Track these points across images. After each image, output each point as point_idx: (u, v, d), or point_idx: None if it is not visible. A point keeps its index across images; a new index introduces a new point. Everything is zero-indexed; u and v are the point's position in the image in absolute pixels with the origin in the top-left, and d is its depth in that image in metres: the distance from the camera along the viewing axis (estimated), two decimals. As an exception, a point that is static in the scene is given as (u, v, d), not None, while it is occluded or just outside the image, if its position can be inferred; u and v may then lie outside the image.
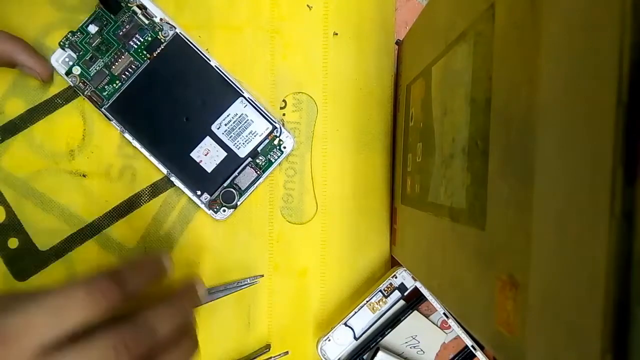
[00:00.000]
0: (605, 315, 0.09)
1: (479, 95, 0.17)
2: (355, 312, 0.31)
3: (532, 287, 0.13)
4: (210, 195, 0.31)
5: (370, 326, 0.32)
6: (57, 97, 0.31)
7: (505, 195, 0.14)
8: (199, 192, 0.31)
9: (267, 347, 0.32)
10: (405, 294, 0.32)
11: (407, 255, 0.28)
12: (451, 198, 0.20)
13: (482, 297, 0.16)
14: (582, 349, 0.10)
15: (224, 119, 0.31)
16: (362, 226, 0.33)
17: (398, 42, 0.33)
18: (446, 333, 0.33)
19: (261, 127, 0.31)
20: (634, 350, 0.09)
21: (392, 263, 0.34)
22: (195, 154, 0.31)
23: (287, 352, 0.32)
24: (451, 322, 0.32)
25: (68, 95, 0.31)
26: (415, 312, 0.32)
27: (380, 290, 0.32)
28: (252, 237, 0.33)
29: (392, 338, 0.32)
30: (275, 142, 0.31)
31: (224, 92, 0.31)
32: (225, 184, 0.31)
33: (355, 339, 0.31)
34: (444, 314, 0.32)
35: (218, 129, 0.31)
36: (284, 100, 0.33)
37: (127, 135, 0.31)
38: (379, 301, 0.32)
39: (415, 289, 0.32)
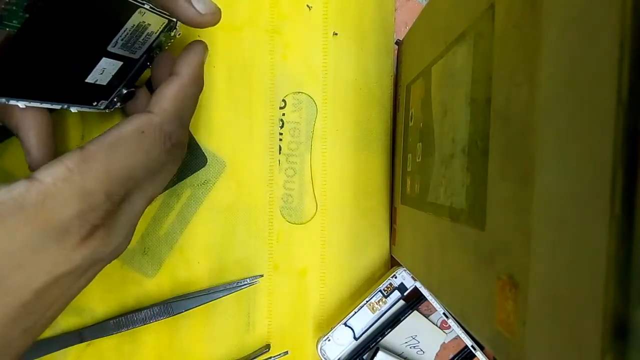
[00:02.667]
0: (605, 315, 0.09)
1: (479, 95, 0.17)
2: (355, 312, 0.31)
3: (532, 287, 0.13)
4: (107, 100, 0.29)
5: (370, 326, 0.32)
6: (56, 97, 0.31)
7: (505, 195, 0.14)
8: (95, 103, 0.28)
9: (267, 347, 0.32)
10: (405, 294, 0.32)
11: (407, 255, 0.28)
12: (451, 198, 0.20)
13: (482, 297, 0.16)
14: (582, 349, 0.10)
15: (120, 35, 0.26)
16: (362, 226, 0.33)
17: (398, 42, 0.33)
18: (446, 333, 0.33)
19: (156, 26, 0.28)
20: (633, 351, 0.09)
21: (392, 263, 0.34)
22: (92, 79, 0.27)
23: (286, 352, 0.32)
24: (451, 322, 0.32)
25: (67, 95, 0.31)
26: (415, 312, 0.32)
27: (380, 290, 0.32)
28: (251, 237, 0.33)
29: (392, 338, 0.32)
30: (171, 33, 0.29)
31: (119, 12, 0.25)
32: (120, 87, 0.29)
33: (355, 339, 0.31)
34: (444, 314, 0.32)
35: (114, 46, 0.27)
36: (283, 100, 0.33)
37: (19, 102, 0.23)
38: (378, 301, 0.32)
39: (415, 289, 0.32)
